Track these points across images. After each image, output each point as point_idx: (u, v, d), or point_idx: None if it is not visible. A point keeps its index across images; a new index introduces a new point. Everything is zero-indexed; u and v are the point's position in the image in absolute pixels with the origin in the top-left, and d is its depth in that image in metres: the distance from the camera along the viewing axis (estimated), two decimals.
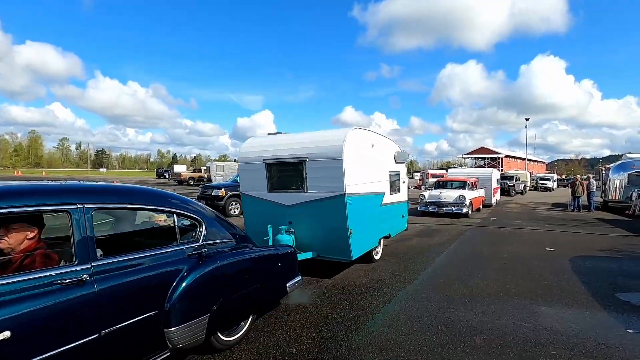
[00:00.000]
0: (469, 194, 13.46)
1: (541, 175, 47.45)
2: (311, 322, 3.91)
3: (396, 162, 7.06)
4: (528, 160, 51.72)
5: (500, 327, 3.81)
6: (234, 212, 12.67)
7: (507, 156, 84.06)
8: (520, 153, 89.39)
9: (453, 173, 20.05)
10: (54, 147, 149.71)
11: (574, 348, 3.35)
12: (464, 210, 12.89)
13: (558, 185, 43.72)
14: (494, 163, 79.69)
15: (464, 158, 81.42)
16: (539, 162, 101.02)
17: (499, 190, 20.44)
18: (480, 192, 15.78)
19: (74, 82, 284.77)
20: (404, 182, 7.47)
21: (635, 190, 15.32)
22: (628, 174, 16.22)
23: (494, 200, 18.21)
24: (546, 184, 37.54)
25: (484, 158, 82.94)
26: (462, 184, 14.89)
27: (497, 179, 20.12)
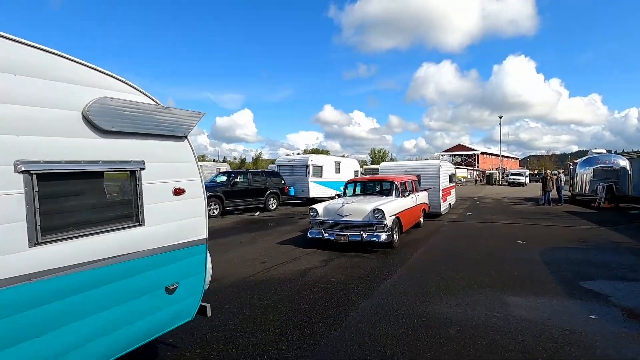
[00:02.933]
0: (392, 205, 7.68)
1: (514, 170, 49.24)
2: (290, 321, 3.93)
3: (99, 131, 2.34)
4: (502, 156, 53.53)
5: (473, 317, 3.95)
6: (213, 212, 12.50)
7: (482, 153, 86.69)
8: (495, 150, 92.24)
9: (385, 168, 13.63)
10: None
11: (541, 335, 3.52)
12: (382, 236, 7.02)
13: (530, 180, 45.44)
14: (470, 160, 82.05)
15: (442, 155, 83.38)
16: (513, 158, 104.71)
17: (453, 191, 15.09)
18: (421, 197, 10.23)
19: None
20: (176, 190, 2.87)
21: (600, 183, 16.16)
22: (593, 169, 17.09)
23: (444, 207, 12.68)
24: (519, 179, 38.95)
25: (461, 155, 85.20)
26: (388, 187, 8.98)
27: (451, 175, 14.64)
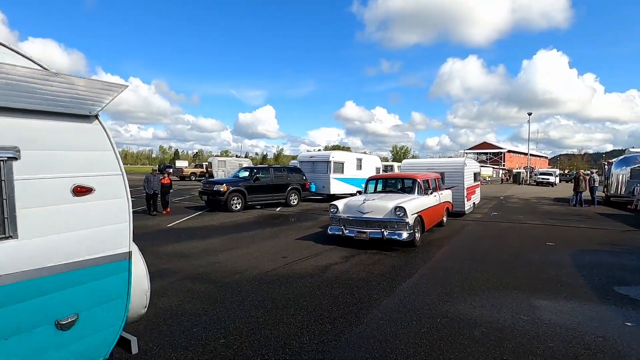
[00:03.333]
0: (415, 203, 7.50)
1: (543, 170, 47.35)
2: (311, 316, 3.95)
3: None
4: (530, 155, 51.59)
5: (499, 320, 3.84)
6: (236, 207, 12.72)
7: (509, 151, 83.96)
8: (522, 148, 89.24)
9: (407, 165, 13.43)
10: None
11: (571, 341, 3.38)
12: (404, 234, 6.86)
13: (560, 181, 43.61)
14: (496, 158, 79.62)
15: (466, 153, 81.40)
16: (542, 157, 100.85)
17: (478, 190, 14.72)
18: (445, 196, 9.94)
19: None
20: (77, 189, 2.11)
21: (638, 184, 15.27)
22: (631, 169, 16.16)
23: (468, 206, 12.34)
24: (548, 179, 37.44)
25: (486, 153, 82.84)
26: (410, 185, 8.84)
27: (476, 173, 14.26)
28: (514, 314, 4.00)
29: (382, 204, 7.33)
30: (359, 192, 17.35)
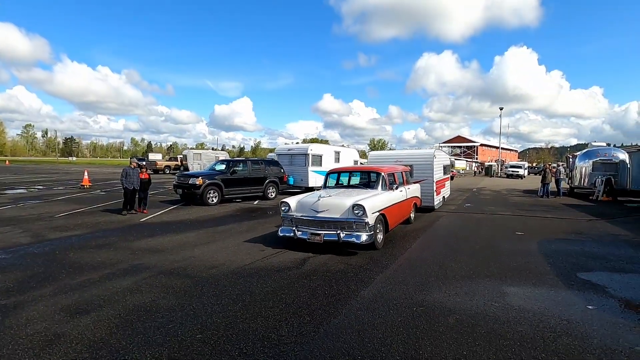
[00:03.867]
0: (376, 200, 6.69)
1: (513, 163, 49.28)
2: (290, 308, 3.94)
3: None
4: (501, 149, 53.46)
5: (472, 307, 3.97)
6: (212, 201, 12.48)
7: (482, 145, 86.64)
8: (494, 142, 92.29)
9: (373, 157, 12.57)
10: (17, 134, 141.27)
11: (539, 325, 3.54)
12: (363, 236, 6.04)
13: (529, 173, 45.55)
14: (469, 151, 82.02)
15: (441, 146, 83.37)
16: (512, 150, 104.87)
17: (447, 183, 13.83)
18: (412, 190, 9.22)
19: (41, 66, 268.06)
20: None
21: (599, 176, 16.19)
22: (593, 162, 17.12)
23: (437, 201, 11.58)
24: (517, 172, 39.06)
25: (460, 146, 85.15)
26: (374, 179, 7.95)
27: (446, 166, 13.40)
28: (486, 300, 4.15)
29: (339, 202, 6.43)
30: None
